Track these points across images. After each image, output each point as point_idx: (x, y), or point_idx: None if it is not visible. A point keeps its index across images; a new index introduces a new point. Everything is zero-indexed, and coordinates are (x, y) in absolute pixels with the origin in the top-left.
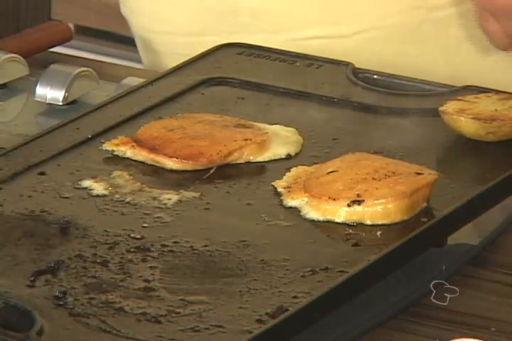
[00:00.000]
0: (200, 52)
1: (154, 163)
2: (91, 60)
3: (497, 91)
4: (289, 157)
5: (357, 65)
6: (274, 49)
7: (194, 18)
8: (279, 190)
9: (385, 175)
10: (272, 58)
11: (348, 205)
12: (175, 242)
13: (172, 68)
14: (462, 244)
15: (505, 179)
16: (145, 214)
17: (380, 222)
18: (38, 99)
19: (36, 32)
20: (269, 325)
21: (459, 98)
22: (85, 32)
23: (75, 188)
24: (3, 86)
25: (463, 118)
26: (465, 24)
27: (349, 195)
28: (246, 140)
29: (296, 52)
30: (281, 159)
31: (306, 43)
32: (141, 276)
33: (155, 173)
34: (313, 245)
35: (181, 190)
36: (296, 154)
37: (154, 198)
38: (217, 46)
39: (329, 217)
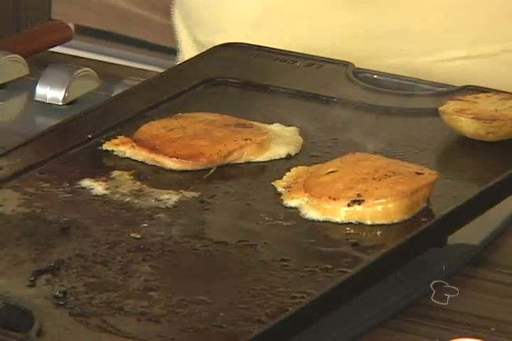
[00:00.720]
0: None
1: (154, 163)
2: (91, 60)
3: (497, 91)
4: (289, 157)
5: (504, 84)
6: (274, 49)
7: (322, 42)
8: (279, 190)
9: (385, 175)
10: (272, 58)
11: (348, 205)
12: (175, 242)
13: (172, 68)
14: (462, 244)
15: (505, 179)
16: (145, 214)
17: (380, 222)
18: (38, 99)
19: (36, 32)
20: (269, 325)
21: (459, 98)
22: (85, 32)
23: (75, 188)
24: (3, 86)
25: (463, 118)
26: None
27: (349, 195)
28: (246, 140)
29: (296, 52)
30: (281, 159)
31: (448, 65)
32: (141, 276)
33: (155, 173)
34: (313, 245)
35: (181, 190)
36: (296, 154)
37: (154, 198)
38: (217, 46)
39: (329, 217)
